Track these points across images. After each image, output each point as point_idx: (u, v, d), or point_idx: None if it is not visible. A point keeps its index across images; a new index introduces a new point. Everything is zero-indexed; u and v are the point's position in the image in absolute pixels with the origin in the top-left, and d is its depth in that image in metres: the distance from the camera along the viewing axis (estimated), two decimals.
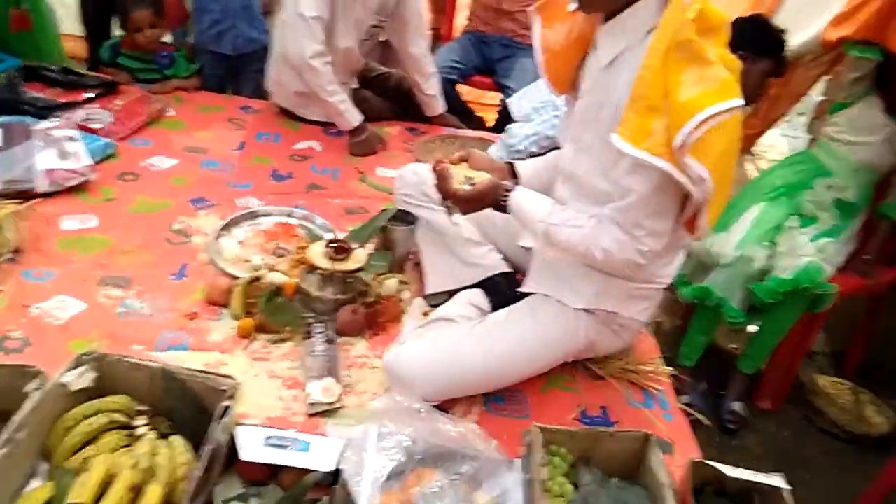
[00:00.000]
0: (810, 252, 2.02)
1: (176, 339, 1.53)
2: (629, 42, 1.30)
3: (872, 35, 2.02)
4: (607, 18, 1.33)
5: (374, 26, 2.53)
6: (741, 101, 1.19)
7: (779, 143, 3.87)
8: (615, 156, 1.29)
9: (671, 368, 1.62)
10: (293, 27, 2.29)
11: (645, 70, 1.21)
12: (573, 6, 1.41)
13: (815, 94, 2.69)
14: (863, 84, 2.17)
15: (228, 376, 1.23)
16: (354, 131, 2.48)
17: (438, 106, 2.81)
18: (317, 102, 2.48)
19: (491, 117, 3.52)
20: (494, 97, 3.71)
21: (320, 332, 1.58)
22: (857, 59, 2.15)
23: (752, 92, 2.12)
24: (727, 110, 1.17)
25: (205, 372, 1.24)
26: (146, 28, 2.58)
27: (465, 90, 3.49)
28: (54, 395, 1.14)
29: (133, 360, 1.24)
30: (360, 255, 1.70)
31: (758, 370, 2.25)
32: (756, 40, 2.11)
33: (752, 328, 2.25)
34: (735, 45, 1.24)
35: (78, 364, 1.20)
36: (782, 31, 2.18)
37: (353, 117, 2.46)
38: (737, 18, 2.09)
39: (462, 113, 3.37)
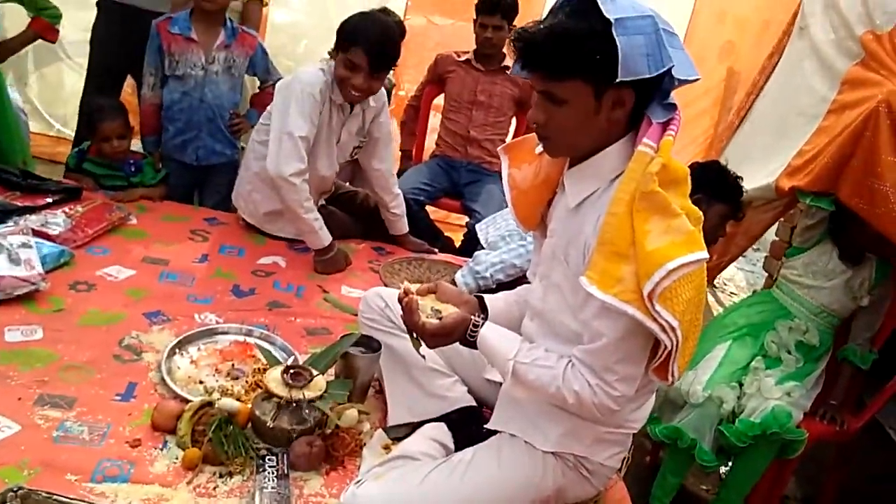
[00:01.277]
0: (777, 395, 2.03)
1: (115, 470, 1.40)
2: (596, 186, 1.34)
3: (824, 187, 2.13)
4: (573, 163, 1.38)
5: (356, 147, 2.59)
6: (706, 255, 1.22)
7: (736, 276, 4.00)
8: (583, 297, 1.29)
9: None
10: (278, 144, 2.32)
11: (611, 217, 1.24)
12: (539, 149, 1.47)
13: (770, 233, 2.80)
14: (817, 230, 2.27)
15: None
16: (323, 250, 2.47)
17: (404, 226, 2.83)
18: (288, 220, 2.48)
19: (458, 237, 3.57)
20: (461, 218, 3.77)
21: (272, 466, 1.49)
22: (810, 207, 2.25)
23: (711, 234, 2.19)
24: (694, 262, 1.19)
25: None
26: (114, 139, 2.59)
27: (431, 210, 3.55)
28: None
29: (62, 498, 1.13)
30: (319, 383, 1.63)
31: None
32: (713, 185, 2.20)
33: (722, 469, 2.21)
34: (692, 189, 1.28)
35: (3, 501, 1.08)
36: (739, 178, 2.29)
37: (326, 236, 2.45)
38: (693, 164, 2.20)
39: (430, 233, 3.40)
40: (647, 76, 1.19)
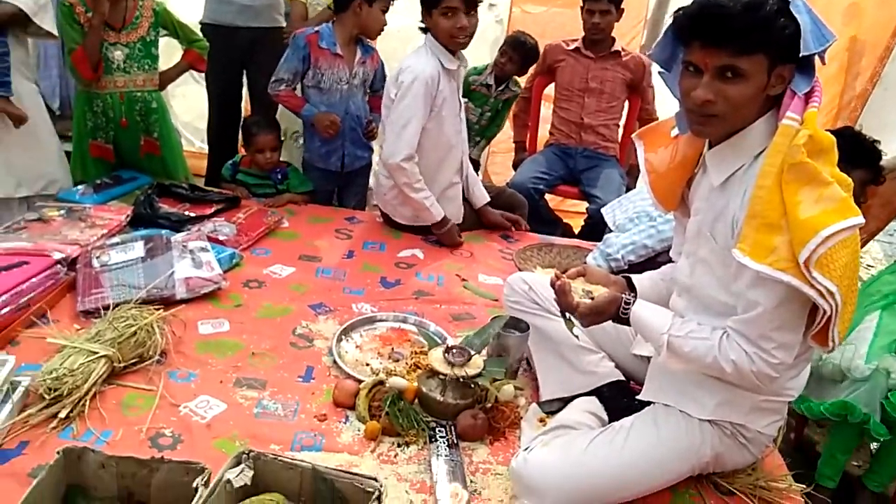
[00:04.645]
0: None
1: (309, 440, 1.60)
2: (740, 163, 1.38)
3: None
4: (715, 143, 1.42)
5: None
6: (861, 220, 1.25)
7: (873, 248, 3.84)
8: (735, 270, 1.35)
9: (803, 486, 1.58)
10: (389, 134, 2.53)
11: (759, 190, 1.29)
12: (675, 132, 1.53)
13: None
14: None
15: (373, 478, 1.29)
16: (437, 224, 2.67)
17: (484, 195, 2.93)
18: (403, 203, 2.69)
19: (576, 223, 3.64)
20: (576, 204, 3.84)
21: (443, 437, 1.64)
22: None
23: (854, 201, 2.15)
24: (849, 227, 1.23)
25: (351, 473, 1.31)
26: (268, 150, 2.84)
27: (547, 198, 3.63)
28: (220, 491, 1.22)
29: (285, 459, 1.31)
30: (477, 361, 1.77)
31: (885, 488, 2.14)
32: (848, 151, 2.15)
33: (874, 444, 2.16)
34: None
35: (238, 462, 1.28)
36: (876, 142, 2.24)
37: (438, 212, 2.66)
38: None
39: (549, 221, 3.49)
40: (815, 52, 1.24)
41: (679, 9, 1.35)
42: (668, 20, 1.44)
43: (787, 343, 1.33)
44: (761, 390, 1.43)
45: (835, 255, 1.23)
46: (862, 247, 2.68)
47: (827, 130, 2.26)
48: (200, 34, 2.95)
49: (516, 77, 3.67)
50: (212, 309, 2.09)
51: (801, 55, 1.24)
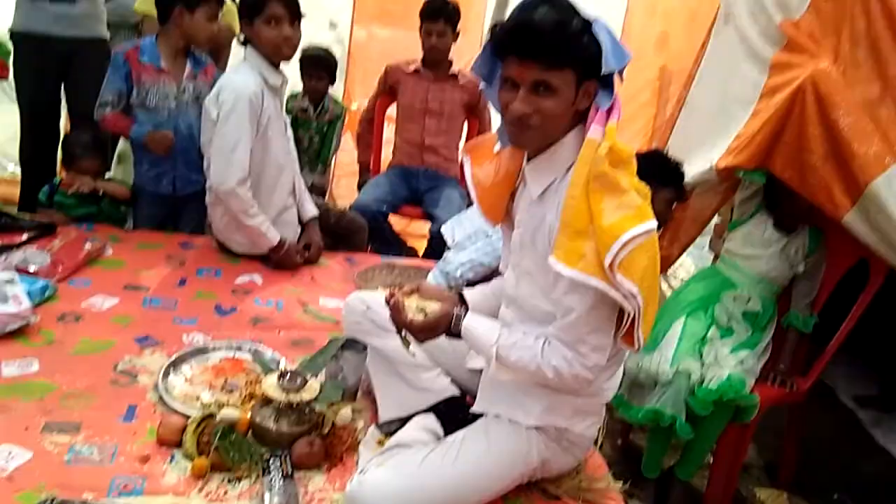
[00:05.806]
0: (731, 363, 2.19)
1: (129, 484, 1.48)
2: (554, 176, 1.48)
3: (759, 163, 2.32)
4: (531, 157, 1.52)
5: None
6: (655, 223, 1.37)
7: (686, 262, 4.19)
8: (553, 278, 1.43)
9: (623, 484, 1.69)
10: (217, 158, 2.44)
11: (570, 199, 1.38)
12: (497, 147, 1.61)
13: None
14: (753, 202, 2.47)
15: None
16: (275, 248, 2.60)
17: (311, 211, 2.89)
18: (237, 230, 2.59)
19: (420, 246, 3.69)
20: (421, 227, 3.89)
21: (277, 468, 1.58)
22: (744, 180, 2.45)
23: (661, 218, 2.36)
24: (645, 232, 1.34)
25: None
26: (90, 175, 2.63)
27: (393, 221, 3.66)
28: None
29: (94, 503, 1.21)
30: (313, 386, 1.73)
31: (691, 476, 2.36)
32: (657, 172, 2.38)
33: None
34: (639, 177, 1.43)
35: None
36: (679, 164, 2.48)
37: (274, 235, 2.59)
38: (636, 153, 2.37)
39: (394, 243, 3.52)
40: (615, 69, 1.35)
41: (495, 24, 1.43)
42: None
43: (600, 345, 1.42)
44: (580, 393, 1.51)
45: (635, 259, 1.33)
46: (675, 261, 2.95)
47: (637, 153, 2.49)
48: None
49: (332, 95, 3.66)
50: (19, 347, 1.89)
51: (602, 72, 1.35)
